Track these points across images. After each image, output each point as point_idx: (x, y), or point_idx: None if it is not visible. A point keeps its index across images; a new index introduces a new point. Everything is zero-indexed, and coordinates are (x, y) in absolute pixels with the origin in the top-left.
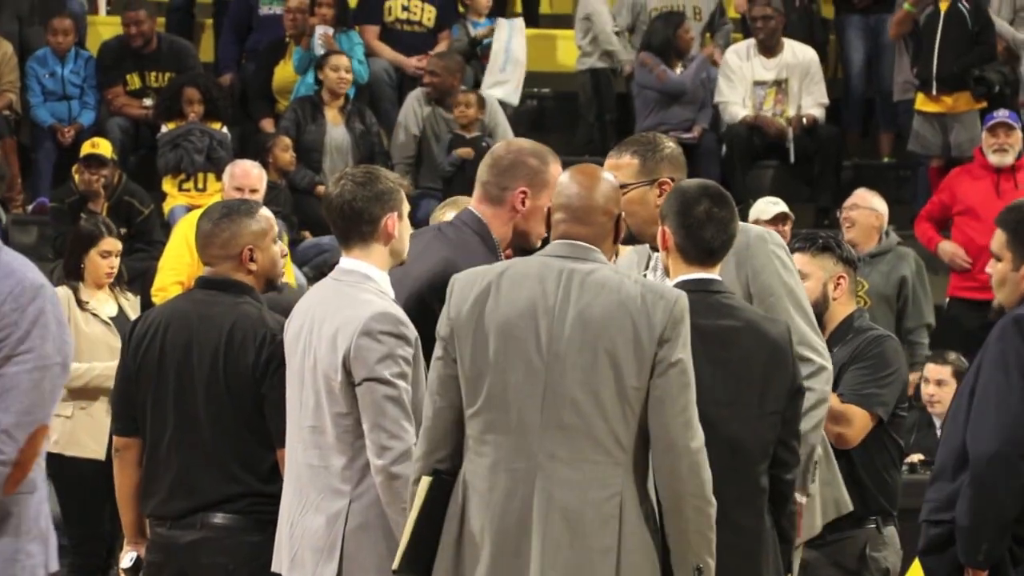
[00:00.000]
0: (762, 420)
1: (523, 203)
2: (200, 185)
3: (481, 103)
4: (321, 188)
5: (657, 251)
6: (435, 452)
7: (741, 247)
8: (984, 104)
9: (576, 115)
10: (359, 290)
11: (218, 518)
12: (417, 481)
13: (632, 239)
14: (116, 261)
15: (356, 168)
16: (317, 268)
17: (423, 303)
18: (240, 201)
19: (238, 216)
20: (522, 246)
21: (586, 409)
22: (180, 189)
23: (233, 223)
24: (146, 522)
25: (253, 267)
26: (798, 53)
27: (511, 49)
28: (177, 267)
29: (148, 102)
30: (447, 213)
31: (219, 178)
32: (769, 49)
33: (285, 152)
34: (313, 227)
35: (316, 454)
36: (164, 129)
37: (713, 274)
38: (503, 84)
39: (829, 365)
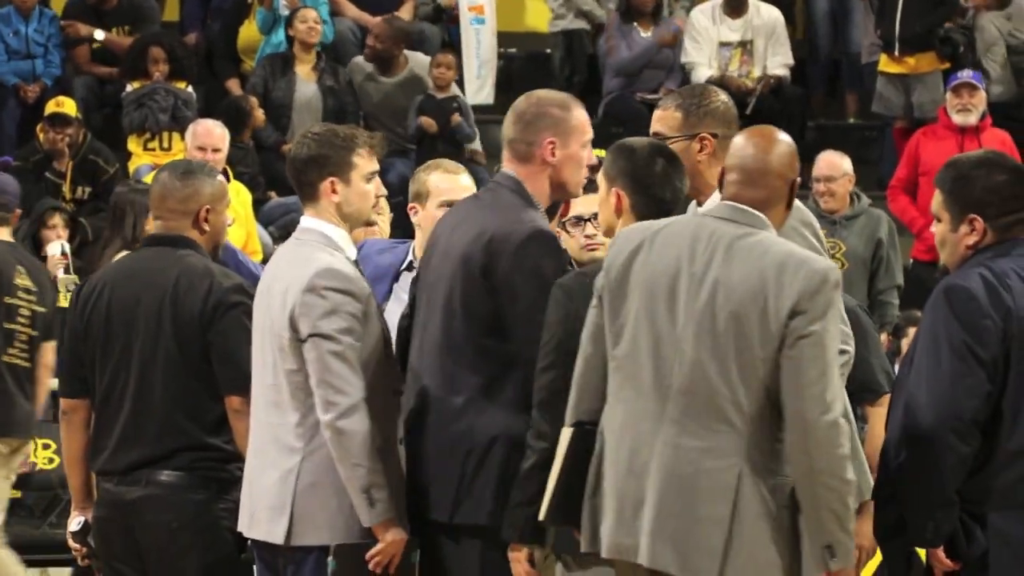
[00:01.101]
0: None
1: (553, 154)
2: (165, 144)
3: (459, 64)
4: (286, 147)
5: (700, 205)
6: (582, 402)
7: None
8: (947, 65)
9: (544, 75)
10: (314, 248)
11: (163, 475)
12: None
13: None
14: None
15: (316, 127)
16: (283, 228)
17: (467, 266)
18: (201, 163)
19: (201, 175)
20: (561, 199)
21: (712, 376)
22: (145, 148)
23: (196, 181)
24: (94, 485)
25: (206, 227)
26: (764, 13)
27: (480, 54)
28: None
29: (99, 34)
30: (431, 175)
31: (184, 137)
32: (735, 9)
33: (259, 111)
34: (279, 187)
35: (275, 412)
36: (129, 88)
37: None
38: (481, 89)
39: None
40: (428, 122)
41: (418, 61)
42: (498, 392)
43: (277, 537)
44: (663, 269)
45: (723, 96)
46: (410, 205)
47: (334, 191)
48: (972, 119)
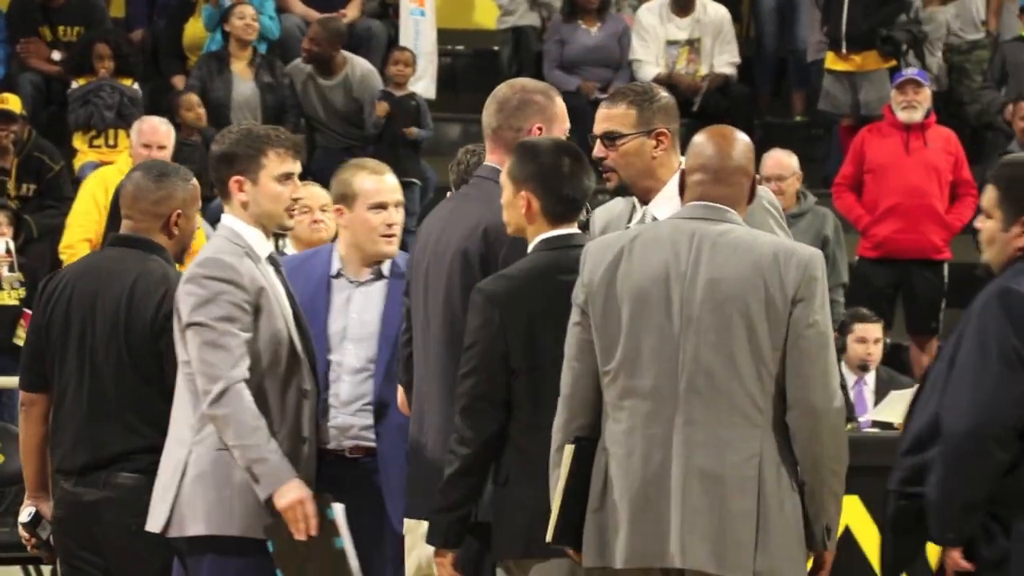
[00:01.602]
0: None
1: None
2: (111, 141)
3: (413, 61)
4: None
5: (647, 203)
6: (575, 419)
7: None
8: (893, 63)
9: (490, 73)
10: (216, 244)
11: (122, 477)
12: (560, 449)
13: (624, 190)
14: None
15: (237, 124)
16: None
17: (465, 260)
18: (176, 165)
19: (176, 179)
20: None
21: (721, 373)
22: (91, 145)
23: (170, 184)
24: (48, 478)
25: (176, 232)
26: (710, 11)
27: (419, 46)
28: (85, 224)
29: (56, 55)
30: (356, 175)
31: (129, 134)
32: (682, 8)
33: (190, 111)
34: None
35: (176, 405)
36: (74, 85)
37: (573, 228)
38: (420, 80)
39: None
40: (382, 106)
41: (358, 63)
42: None
43: (157, 526)
44: (651, 275)
45: (665, 92)
46: (336, 207)
47: (240, 190)
48: (917, 116)
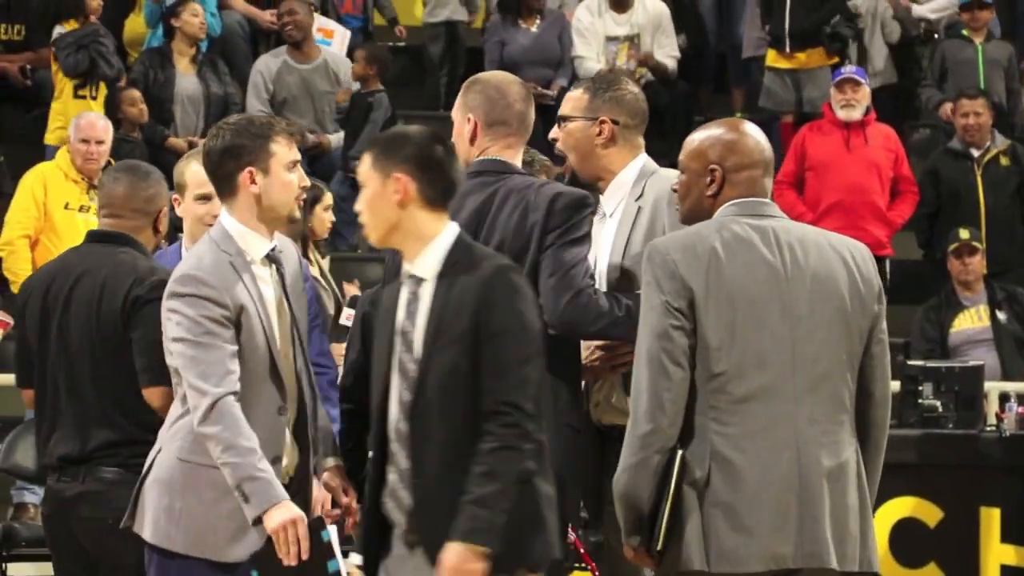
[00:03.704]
0: None
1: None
2: (93, 93)
3: (372, 59)
4: (172, 141)
5: (601, 192)
6: (675, 424)
7: (663, 193)
8: (836, 60)
9: (423, 69)
10: (205, 247)
11: (101, 472)
12: (663, 453)
13: (575, 180)
14: None
15: (231, 117)
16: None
17: None
18: (150, 165)
19: (158, 177)
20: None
21: (831, 371)
22: (75, 95)
23: (157, 183)
24: None
25: (161, 228)
26: (649, 7)
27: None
28: (24, 221)
29: None
30: (189, 165)
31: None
32: (620, 4)
33: (132, 106)
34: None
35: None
36: (60, 29)
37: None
38: None
39: None
40: (341, 94)
41: (329, 50)
42: None
43: (126, 519)
44: (751, 276)
45: (634, 88)
46: (173, 197)
47: (253, 182)
48: (856, 114)
